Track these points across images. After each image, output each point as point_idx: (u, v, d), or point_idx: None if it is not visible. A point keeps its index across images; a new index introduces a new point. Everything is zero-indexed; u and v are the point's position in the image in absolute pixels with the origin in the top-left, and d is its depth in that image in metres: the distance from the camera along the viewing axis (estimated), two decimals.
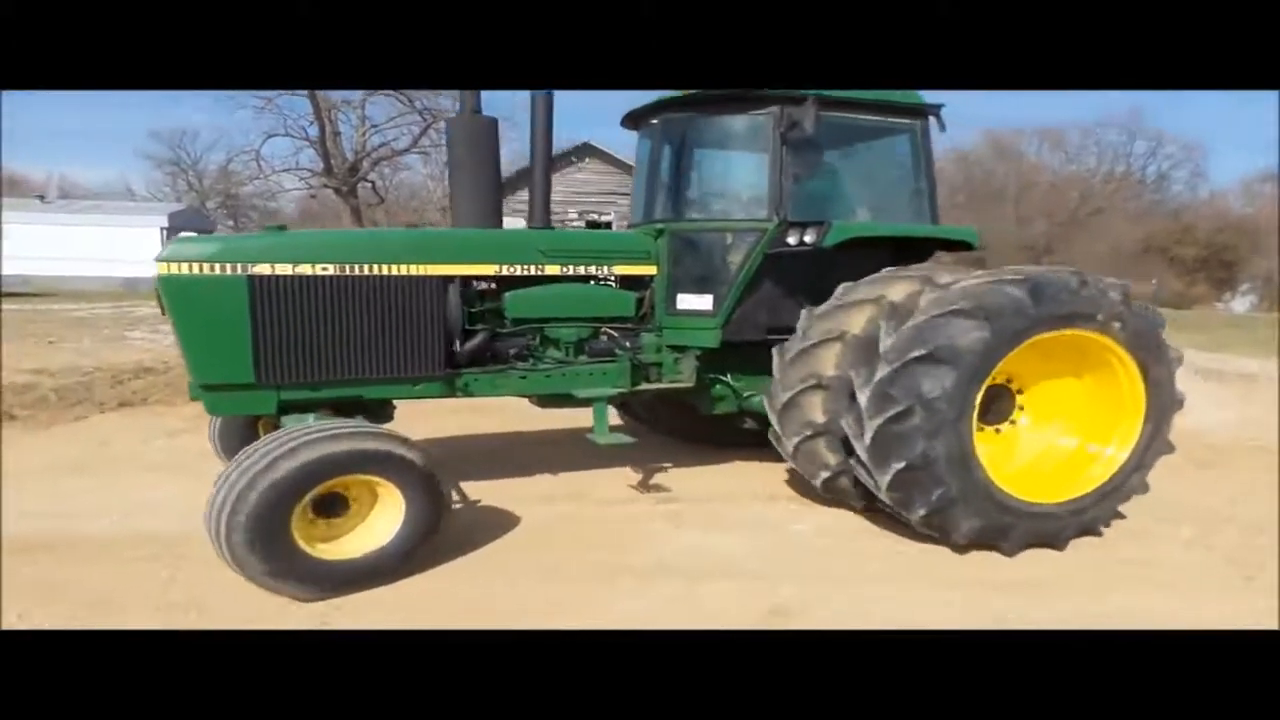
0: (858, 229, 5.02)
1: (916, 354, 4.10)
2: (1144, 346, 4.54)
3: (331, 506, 3.89)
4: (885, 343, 4.27)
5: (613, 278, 5.27)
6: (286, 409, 4.45)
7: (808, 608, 3.71)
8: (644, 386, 5.34)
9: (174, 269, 4.14)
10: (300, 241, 4.49)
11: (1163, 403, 4.66)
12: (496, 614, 3.61)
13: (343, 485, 3.84)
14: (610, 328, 5.19)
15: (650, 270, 5.30)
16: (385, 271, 4.46)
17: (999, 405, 4.92)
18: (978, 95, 53.15)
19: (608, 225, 26.53)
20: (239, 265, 4.19)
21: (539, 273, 4.97)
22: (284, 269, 4.26)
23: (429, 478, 3.92)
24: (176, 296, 4.15)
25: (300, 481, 3.61)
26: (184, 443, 6.73)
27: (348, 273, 4.38)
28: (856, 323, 4.63)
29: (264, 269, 4.22)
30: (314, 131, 34.33)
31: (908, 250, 5.34)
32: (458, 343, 4.76)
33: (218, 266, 4.18)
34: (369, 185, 37.83)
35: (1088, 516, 4.64)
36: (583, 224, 27.38)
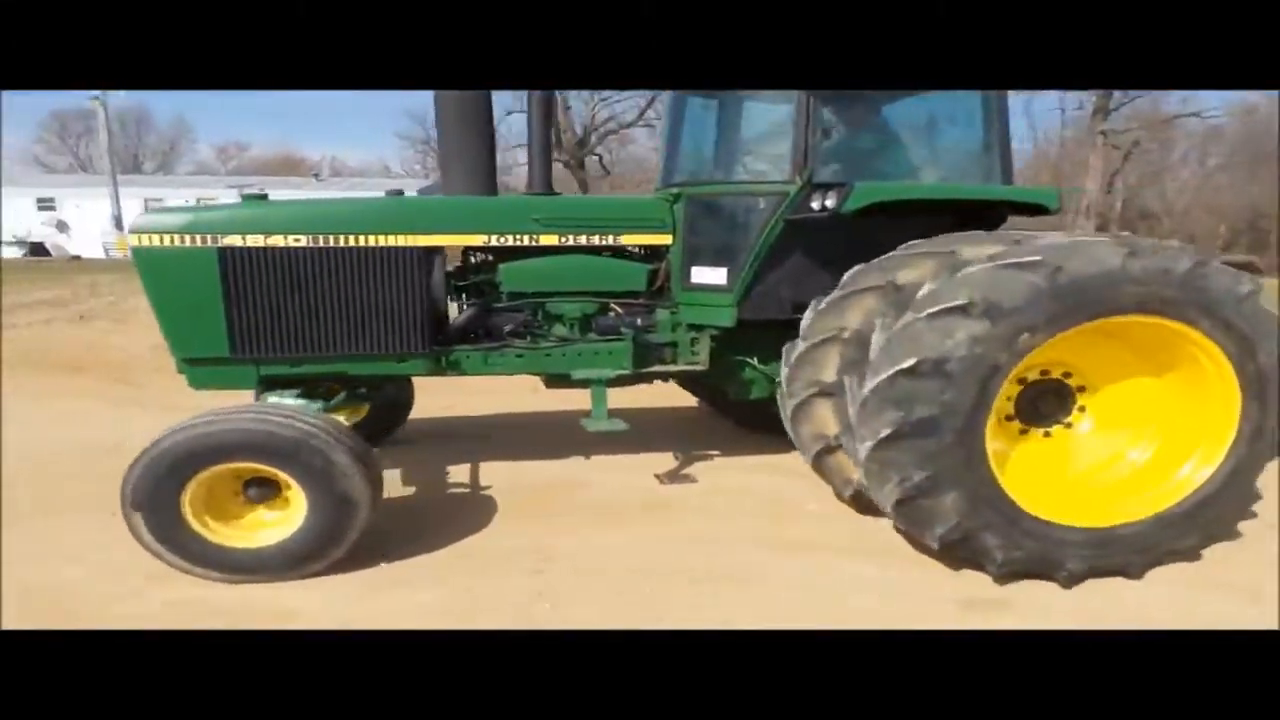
0: (885, 191, 4.23)
1: (903, 366, 3.44)
2: (1247, 346, 3.66)
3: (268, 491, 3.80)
4: (875, 346, 3.70)
5: (637, 248, 4.84)
6: (271, 385, 4.40)
7: None
8: (653, 369, 4.90)
9: (144, 240, 4.12)
10: (272, 212, 4.35)
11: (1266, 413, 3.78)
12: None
13: (265, 473, 3.71)
14: (620, 303, 4.80)
15: (666, 240, 4.73)
16: (362, 243, 4.29)
17: (1050, 402, 4.12)
18: None
19: None
20: (209, 237, 4.15)
21: (534, 243, 4.59)
22: (255, 240, 4.19)
23: (332, 484, 3.65)
24: (149, 269, 4.15)
25: (182, 459, 3.56)
26: None
27: (321, 244, 4.24)
28: (856, 316, 4.05)
29: (234, 240, 4.17)
30: None
31: (975, 219, 4.51)
32: (446, 318, 4.61)
33: (188, 238, 4.15)
34: (596, 158, 38.74)
35: (1155, 544, 3.86)
36: None
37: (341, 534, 3.72)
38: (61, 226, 40.55)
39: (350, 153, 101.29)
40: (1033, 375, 4.03)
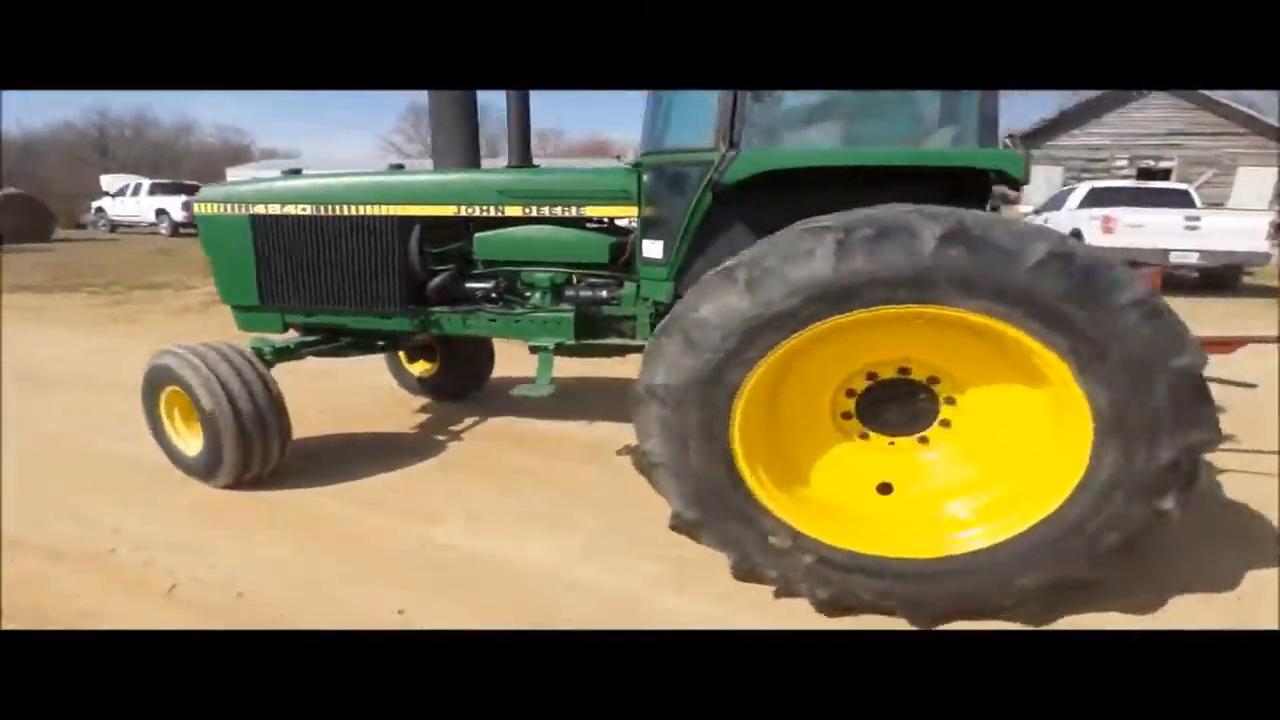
0: (772, 159, 3.69)
1: (645, 383, 3.23)
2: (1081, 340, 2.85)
3: None
4: None
5: (603, 220, 4.87)
6: (293, 330, 5.38)
7: None
8: (609, 342, 4.82)
9: (203, 209, 5.21)
10: (288, 185, 5.07)
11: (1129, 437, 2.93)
12: None
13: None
14: (585, 275, 4.83)
15: (631, 211, 4.61)
16: (350, 212, 4.91)
17: (906, 407, 3.53)
18: None
19: (1165, 174, 22.03)
20: (243, 205, 5.07)
21: (500, 214, 4.77)
22: (274, 209, 5.02)
23: (210, 416, 4.48)
24: (205, 231, 5.21)
25: (152, 380, 4.76)
26: None
27: (320, 213, 4.95)
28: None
29: (260, 209, 5.03)
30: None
31: (964, 190, 3.69)
32: (424, 281, 4.96)
33: (229, 206, 5.12)
34: (1010, 139, 38.60)
35: (967, 582, 3.21)
36: (1133, 172, 23.29)
37: (217, 452, 4.57)
38: None
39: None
40: (886, 372, 3.46)
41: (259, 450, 4.61)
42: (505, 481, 4.99)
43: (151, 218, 32.01)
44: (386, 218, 4.85)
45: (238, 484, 4.69)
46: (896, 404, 3.52)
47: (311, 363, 5.56)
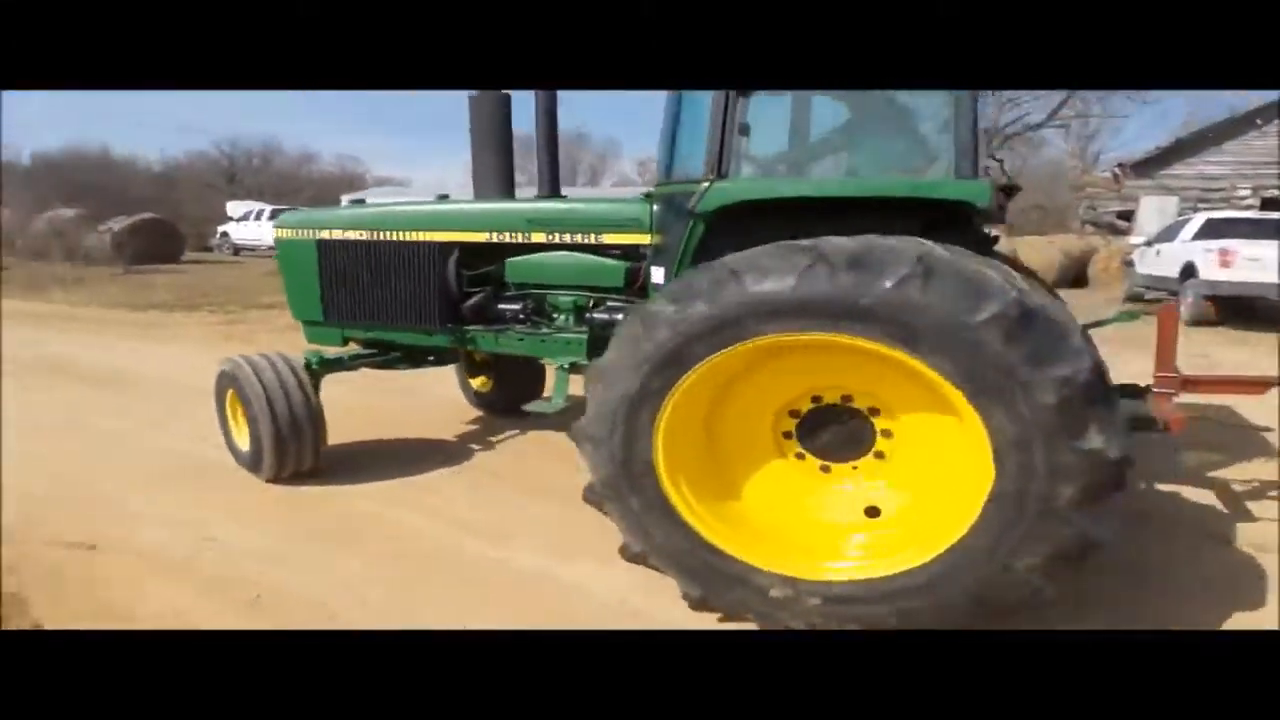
0: (743, 190, 3.84)
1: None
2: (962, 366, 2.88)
3: None
4: None
5: (618, 248, 4.97)
6: (350, 344, 5.89)
7: None
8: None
9: (280, 234, 5.88)
10: (350, 213, 5.71)
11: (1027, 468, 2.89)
12: None
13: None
14: (604, 298, 5.02)
15: (645, 239, 4.77)
16: (398, 238, 5.39)
17: (844, 433, 3.59)
18: None
19: None
20: (312, 231, 5.67)
21: (526, 240, 5.11)
22: (337, 234, 5.58)
23: (253, 418, 5.14)
24: (280, 253, 5.89)
25: (218, 385, 5.57)
26: None
27: (373, 238, 5.46)
28: None
29: (325, 234, 5.61)
30: None
31: (951, 220, 3.68)
32: (460, 301, 5.34)
33: (301, 231, 5.75)
34: (998, 164, 35.15)
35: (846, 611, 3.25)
36: (1256, 203, 23.20)
37: (259, 450, 5.20)
38: None
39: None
40: (830, 396, 3.54)
41: (293, 451, 5.22)
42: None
43: (270, 241, 33.88)
44: (428, 243, 5.31)
45: (278, 479, 5.29)
46: (835, 430, 3.60)
47: (397, 379, 6.15)
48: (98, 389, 8.41)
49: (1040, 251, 21.66)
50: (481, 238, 5.22)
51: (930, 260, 2.93)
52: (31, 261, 22.55)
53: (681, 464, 3.41)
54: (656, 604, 3.77)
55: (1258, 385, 4.84)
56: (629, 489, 3.41)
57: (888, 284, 2.92)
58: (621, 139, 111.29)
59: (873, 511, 3.57)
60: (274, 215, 34.78)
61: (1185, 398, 4.55)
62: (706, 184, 3.88)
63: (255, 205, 37.37)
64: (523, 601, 3.86)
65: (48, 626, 3.51)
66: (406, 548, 4.45)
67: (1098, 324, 4.51)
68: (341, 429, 6.03)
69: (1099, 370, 2.88)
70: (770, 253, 3.15)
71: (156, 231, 29.04)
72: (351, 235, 5.53)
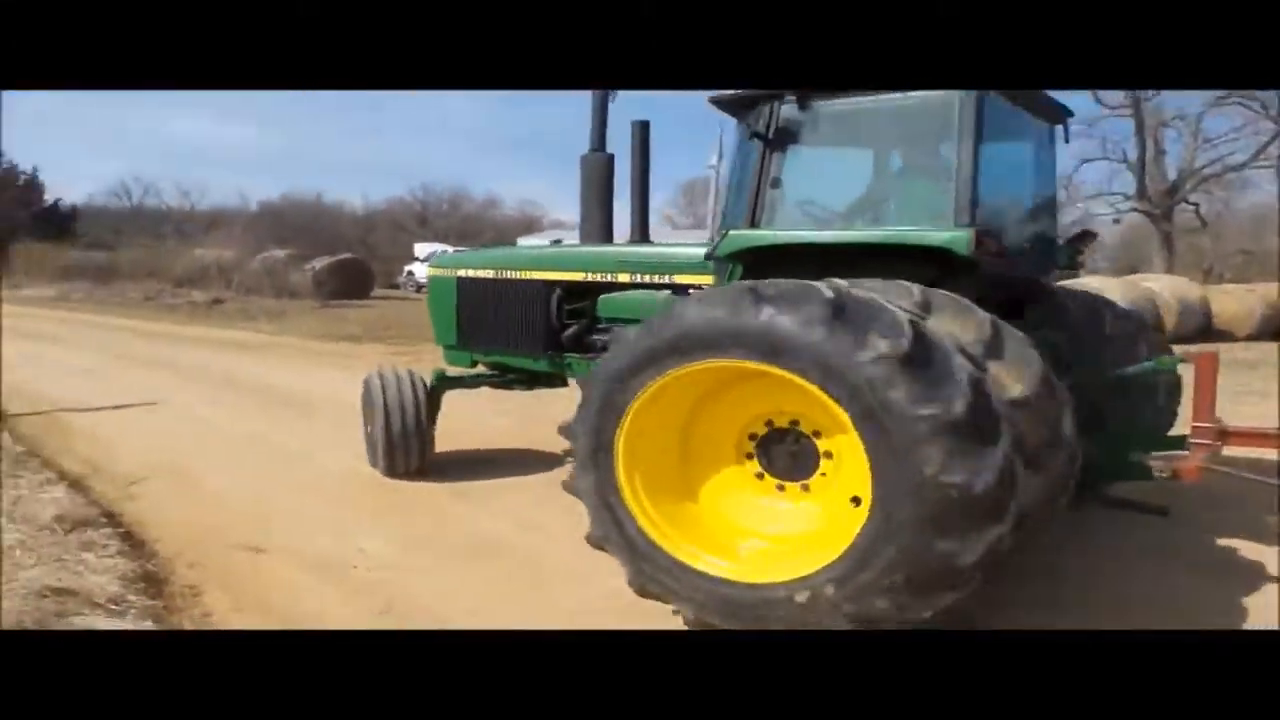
0: (750, 239, 4.43)
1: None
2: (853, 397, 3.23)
3: None
4: None
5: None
6: (478, 366, 6.75)
7: None
8: None
9: (431, 271, 7.16)
10: (483, 254, 6.96)
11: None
12: None
13: None
14: None
15: (709, 280, 5.05)
16: (513, 276, 6.23)
17: (792, 456, 3.90)
18: None
19: None
20: (454, 269, 6.74)
21: (614, 280, 5.75)
22: (471, 273, 6.54)
23: (371, 422, 6.22)
24: (430, 288, 7.04)
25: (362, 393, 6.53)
26: None
27: (497, 276, 6.33)
28: None
29: (463, 273, 6.60)
30: (1133, 152, 31.77)
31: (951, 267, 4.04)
32: (560, 331, 6.00)
33: (446, 270, 6.87)
34: (1192, 208, 33.16)
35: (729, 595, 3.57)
36: None
37: (374, 448, 6.24)
38: None
39: None
40: (780, 420, 3.90)
41: (400, 453, 6.08)
42: None
43: None
44: (537, 281, 6.10)
45: (392, 475, 6.19)
46: (782, 452, 3.93)
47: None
48: (287, 409, 9.26)
49: (1239, 300, 19.72)
50: (578, 277, 5.93)
51: (840, 300, 3.30)
52: (245, 296, 25.14)
53: (640, 464, 3.82)
54: None
55: None
56: (595, 480, 3.84)
57: (797, 323, 3.32)
58: None
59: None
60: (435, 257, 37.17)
61: None
62: (724, 233, 4.53)
63: (439, 246, 40.09)
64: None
65: (214, 615, 3.89)
66: (534, 572, 4.60)
67: (1124, 373, 4.67)
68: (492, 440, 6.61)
69: (975, 411, 3.13)
70: (723, 292, 3.78)
71: (352, 270, 31.68)
72: (482, 274, 6.47)
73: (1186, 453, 4.21)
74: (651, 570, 3.71)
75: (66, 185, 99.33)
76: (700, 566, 3.64)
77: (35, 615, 3.42)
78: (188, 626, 3.74)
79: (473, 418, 7.68)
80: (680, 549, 3.70)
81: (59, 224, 43.00)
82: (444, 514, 5.56)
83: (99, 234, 43.37)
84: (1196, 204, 33.75)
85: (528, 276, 6.15)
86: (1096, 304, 5.53)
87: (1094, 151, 33.15)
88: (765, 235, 4.48)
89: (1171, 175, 32.40)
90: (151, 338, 16.88)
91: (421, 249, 41.72)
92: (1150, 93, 29.96)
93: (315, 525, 5.26)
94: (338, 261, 31.31)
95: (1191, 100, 30.15)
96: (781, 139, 4.56)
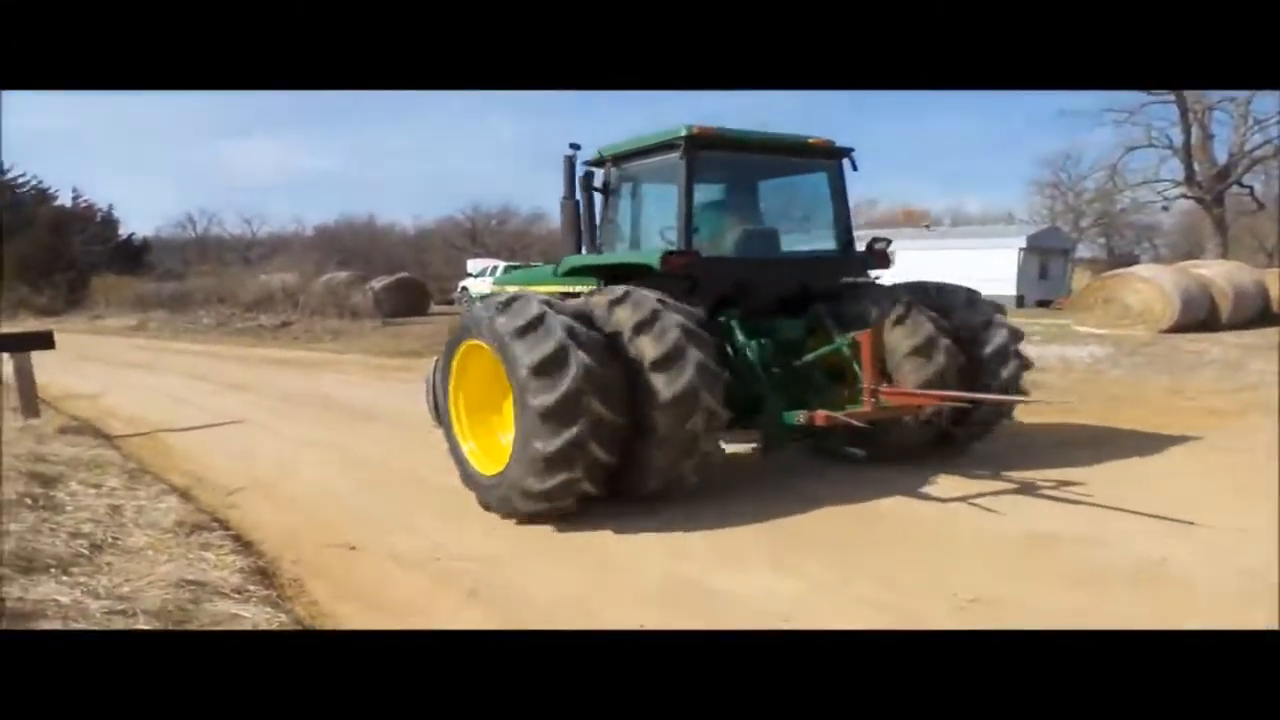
0: (569, 261, 7.19)
1: None
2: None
3: None
4: None
5: None
6: None
7: None
8: None
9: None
10: (514, 275, 9.30)
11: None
12: None
13: None
14: None
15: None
16: (519, 290, 6.78)
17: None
18: None
19: None
20: (503, 287, 8.03)
21: (567, 291, 7.15)
22: (511, 289, 7.18)
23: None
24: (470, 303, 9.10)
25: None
26: None
27: (519, 291, 6.61)
28: None
29: (509, 289, 7.19)
30: (1179, 138, 31.86)
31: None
32: None
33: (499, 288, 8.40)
34: (1247, 191, 33.44)
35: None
36: None
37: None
38: None
39: (975, 201, 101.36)
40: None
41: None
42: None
43: None
44: (537, 294, 7.34)
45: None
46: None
47: None
48: (357, 421, 9.90)
49: None
50: (565, 288, 7.04)
51: (510, 299, 5.60)
52: (310, 317, 26.21)
53: (464, 413, 6.26)
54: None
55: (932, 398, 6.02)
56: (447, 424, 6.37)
57: (488, 313, 5.63)
58: None
59: None
60: (507, 270, 38.11)
61: None
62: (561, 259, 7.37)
63: (490, 262, 40.98)
64: (703, 614, 4.30)
65: (319, 603, 4.41)
66: (599, 558, 5.06)
67: (805, 360, 6.58)
68: None
69: (565, 400, 5.06)
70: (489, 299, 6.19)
71: (409, 288, 32.68)
72: (511, 289, 7.17)
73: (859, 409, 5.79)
74: (467, 476, 6.07)
75: (138, 220, 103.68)
76: (483, 471, 5.90)
77: (177, 602, 3.98)
78: (299, 612, 4.26)
79: None
80: (481, 463, 5.99)
81: (133, 257, 45.09)
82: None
83: (170, 264, 45.39)
84: (1250, 187, 32.96)
85: (528, 290, 6.82)
86: (883, 294, 6.83)
87: (1139, 139, 32.71)
88: (572, 260, 7.11)
89: (1221, 159, 31.68)
90: (227, 360, 17.86)
91: (474, 265, 42.64)
92: None
93: (394, 523, 5.80)
94: (395, 281, 32.33)
95: None
96: (607, 190, 7.13)
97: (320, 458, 8.02)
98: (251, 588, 4.38)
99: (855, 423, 5.66)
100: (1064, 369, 12.97)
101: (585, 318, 5.62)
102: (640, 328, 5.43)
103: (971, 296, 7.17)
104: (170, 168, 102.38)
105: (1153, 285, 17.13)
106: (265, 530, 5.68)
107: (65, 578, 4.20)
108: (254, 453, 8.19)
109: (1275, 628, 3.64)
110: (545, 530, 5.57)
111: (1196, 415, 9.36)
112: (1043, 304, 31.48)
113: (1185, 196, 32.76)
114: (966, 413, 6.66)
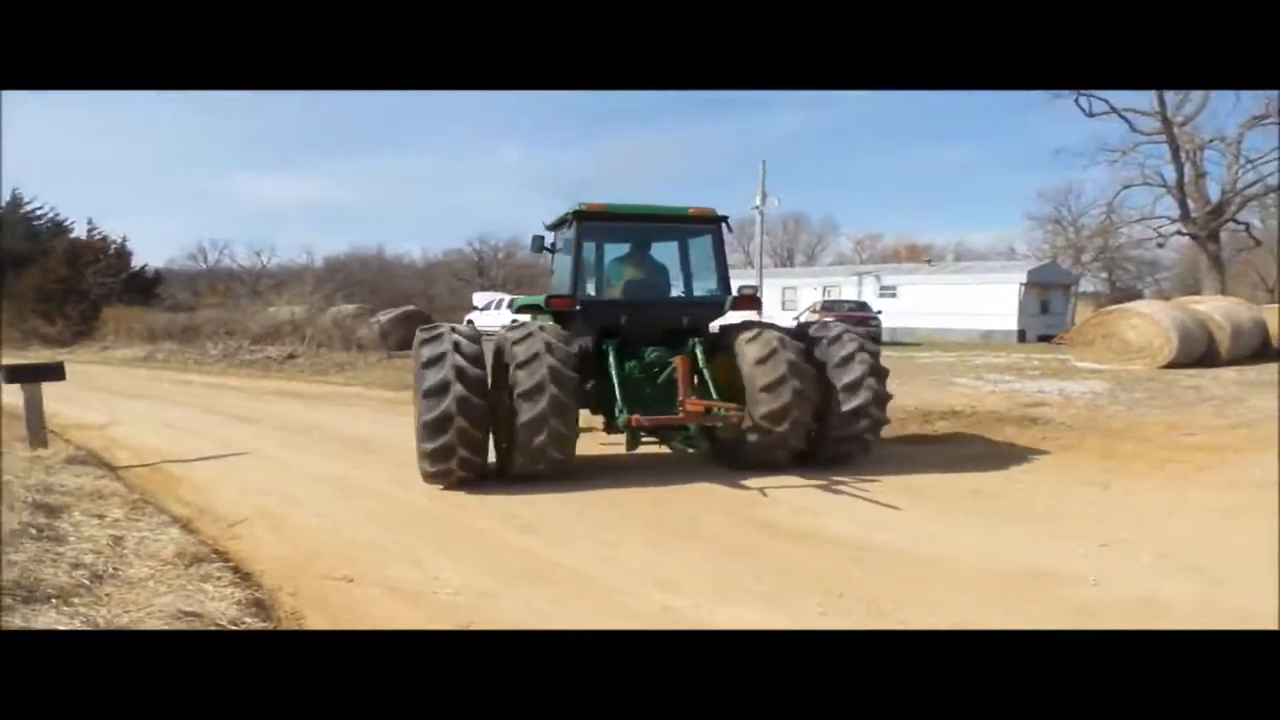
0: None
1: None
2: None
3: None
4: None
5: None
6: None
7: None
8: None
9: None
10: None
11: None
12: None
13: None
14: None
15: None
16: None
17: None
18: None
19: None
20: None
21: None
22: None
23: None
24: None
25: None
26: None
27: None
28: None
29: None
30: (1172, 176, 32.59)
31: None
32: None
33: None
34: (1243, 227, 34.32)
35: None
36: None
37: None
38: None
39: (979, 236, 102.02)
40: None
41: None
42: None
43: None
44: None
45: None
46: None
47: None
48: (360, 453, 10.01)
49: None
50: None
51: (432, 332, 7.83)
52: (317, 350, 26.41)
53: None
54: None
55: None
56: None
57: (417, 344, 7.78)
58: (839, 218, 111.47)
59: None
60: (511, 304, 38.32)
61: None
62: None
63: (496, 295, 41.26)
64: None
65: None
66: (585, 589, 5.13)
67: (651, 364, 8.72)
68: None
69: (445, 420, 7.26)
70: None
71: (415, 321, 32.76)
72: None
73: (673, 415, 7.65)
74: None
75: (150, 251, 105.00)
76: None
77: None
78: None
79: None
80: None
81: (145, 288, 45.52)
82: (505, 544, 6.14)
83: (180, 296, 45.82)
84: (1246, 224, 33.47)
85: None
86: (736, 331, 8.40)
87: (1134, 177, 33.11)
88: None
89: (1215, 196, 32.11)
90: (233, 392, 18.02)
91: (480, 298, 42.91)
92: (1181, 116, 29.93)
93: (393, 555, 5.88)
94: (402, 314, 32.52)
95: (1228, 121, 30.72)
96: (551, 249, 9.57)
97: (322, 489, 8.13)
98: (249, 620, 4.46)
99: (662, 422, 7.74)
100: (1064, 403, 13.02)
101: (497, 348, 8.03)
102: (520, 365, 7.44)
103: (837, 335, 8.51)
104: (184, 199, 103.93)
105: (1150, 321, 17.22)
106: (265, 561, 5.77)
107: (66, 607, 4.30)
108: (257, 484, 8.30)
109: (1275, 628, 3.67)
110: (536, 562, 5.65)
111: (1193, 451, 9.42)
112: (1044, 339, 31.54)
113: (1181, 233, 33.06)
114: (821, 435, 8.33)
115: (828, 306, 32.30)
